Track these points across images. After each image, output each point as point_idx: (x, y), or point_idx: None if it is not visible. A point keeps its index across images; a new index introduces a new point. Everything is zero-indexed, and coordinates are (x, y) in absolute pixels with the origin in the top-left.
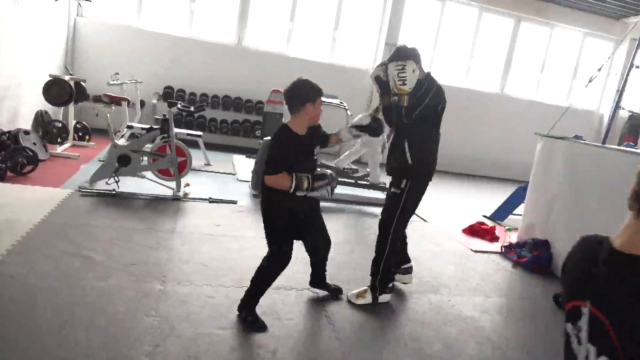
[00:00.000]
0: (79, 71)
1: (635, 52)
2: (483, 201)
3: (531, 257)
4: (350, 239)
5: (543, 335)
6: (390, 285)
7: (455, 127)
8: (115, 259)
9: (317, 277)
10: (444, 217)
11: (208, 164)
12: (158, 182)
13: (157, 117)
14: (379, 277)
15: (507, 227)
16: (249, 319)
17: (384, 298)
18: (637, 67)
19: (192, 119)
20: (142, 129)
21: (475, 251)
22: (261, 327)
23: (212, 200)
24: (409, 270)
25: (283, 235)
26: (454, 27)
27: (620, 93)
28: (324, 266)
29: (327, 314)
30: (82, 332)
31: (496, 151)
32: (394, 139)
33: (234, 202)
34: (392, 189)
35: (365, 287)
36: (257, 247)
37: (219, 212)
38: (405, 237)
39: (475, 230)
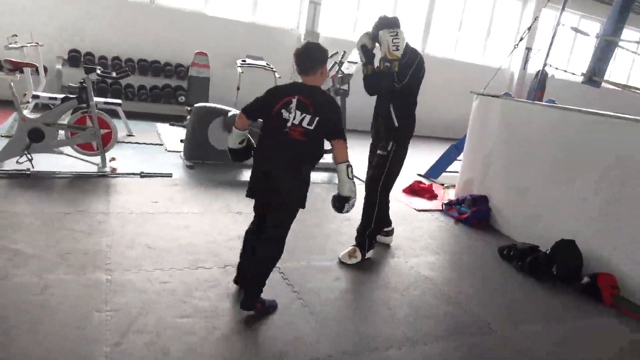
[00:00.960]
0: None
1: (562, 11)
2: (414, 160)
3: (471, 212)
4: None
5: (493, 286)
6: (374, 241)
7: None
8: (47, 249)
9: None
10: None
11: (131, 135)
12: (79, 158)
13: (65, 85)
14: (368, 233)
15: (445, 185)
16: (262, 306)
17: (369, 254)
18: (564, 25)
19: (106, 86)
20: (51, 98)
21: (419, 210)
22: (274, 306)
23: (144, 175)
24: (390, 233)
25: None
26: None
27: (548, 51)
28: None
29: (293, 288)
30: (25, 338)
31: (420, 111)
32: (377, 106)
33: (169, 175)
34: (379, 152)
35: (353, 247)
36: (204, 223)
37: (153, 188)
38: (388, 200)
39: (414, 190)
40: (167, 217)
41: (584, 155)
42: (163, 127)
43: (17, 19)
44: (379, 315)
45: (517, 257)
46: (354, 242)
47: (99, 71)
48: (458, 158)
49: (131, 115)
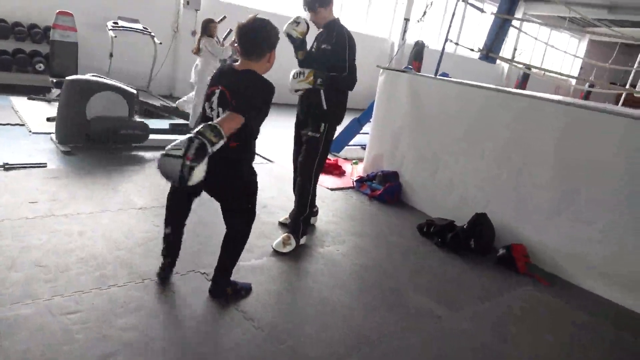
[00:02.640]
0: None
1: None
2: None
3: (383, 189)
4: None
5: (423, 268)
6: (308, 226)
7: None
8: None
9: None
10: (285, 155)
11: None
12: None
13: None
14: (302, 218)
15: (353, 161)
16: (233, 290)
17: (303, 240)
18: (465, 1)
19: None
20: None
21: (332, 189)
22: (247, 288)
23: (9, 167)
24: (316, 213)
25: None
26: None
27: (449, 26)
28: None
29: (207, 277)
30: None
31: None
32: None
33: (43, 165)
34: (310, 133)
35: (287, 234)
36: (102, 226)
37: (26, 183)
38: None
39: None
40: (53, 221)
41: (488, 129)
42: (20, 102)
43: None
44: (328, 316)
45: (437, 233)
46: (286, 229)
47: None
48: (361, 132)
49: None
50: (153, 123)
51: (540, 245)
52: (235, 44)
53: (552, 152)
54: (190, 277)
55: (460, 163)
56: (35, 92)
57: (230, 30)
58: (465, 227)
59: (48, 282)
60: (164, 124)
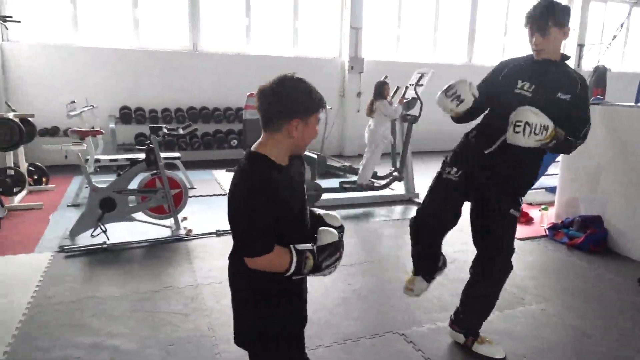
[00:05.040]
0: (18, 105)
1: (630, 13)
2: None
3: (585, 236)
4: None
5: None
6: None
7: (431, 103)
8: (148, 342)
9: None
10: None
11: (192, 187)
12: (150, 223)
13: (120, 144)
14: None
15: (543, 207)
16: None
17: None
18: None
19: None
20: (111, 160)
21: (522, 239)
22: None
23: (220, 233)
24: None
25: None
26: (416, 2)
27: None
28: None
29: (406, 338)
30: None
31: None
32: (519, 151)
33: None
34: (513, 211)
35: (470, 338)
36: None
37: None
38: None
39: None
40: None
41: None
42: (220, 174)
43: (65, 84)
44: None
45: None
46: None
47: (165, 130)
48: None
49: (186, 165)
50: (325, 182)
51: None
52: (405, 100)
53: None
54: (388, 339)
55: None
56: (231, 165)
57: (398, 88)
58: None
59: None
60: (334, 182)
